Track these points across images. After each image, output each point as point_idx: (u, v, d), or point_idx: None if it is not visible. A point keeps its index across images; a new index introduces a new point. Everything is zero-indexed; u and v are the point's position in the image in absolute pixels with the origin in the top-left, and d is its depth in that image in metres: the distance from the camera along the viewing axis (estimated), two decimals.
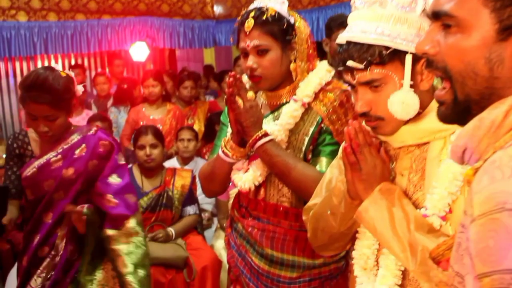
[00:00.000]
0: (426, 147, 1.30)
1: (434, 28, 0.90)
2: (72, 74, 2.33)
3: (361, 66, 1.26)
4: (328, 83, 1.88)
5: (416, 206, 1.28)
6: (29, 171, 2.32)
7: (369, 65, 1.25)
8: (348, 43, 1.29)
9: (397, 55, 1.25)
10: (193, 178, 3.60)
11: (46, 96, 2.16)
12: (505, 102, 0.81)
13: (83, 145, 2.30)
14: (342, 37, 1.32)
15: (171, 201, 3.50)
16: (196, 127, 4.93)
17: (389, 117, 1.28)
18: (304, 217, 1.59)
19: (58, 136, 2.31)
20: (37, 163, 2.31)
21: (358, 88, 1.31)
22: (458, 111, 0.88)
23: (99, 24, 6.23)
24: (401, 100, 1.24)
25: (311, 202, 1.57)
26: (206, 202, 4.10)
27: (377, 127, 1.32)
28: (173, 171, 3.66)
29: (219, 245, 3.67)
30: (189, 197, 3.58)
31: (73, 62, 7.23)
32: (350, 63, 1.27)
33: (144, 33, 6.53)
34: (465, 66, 0.84)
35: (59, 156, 2.30)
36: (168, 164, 4.14)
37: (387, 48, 1.24)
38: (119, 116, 5.38)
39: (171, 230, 3.43)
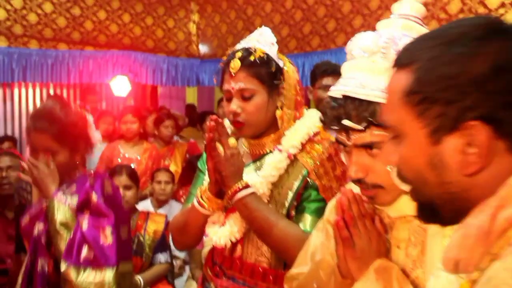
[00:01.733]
0: None
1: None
2: (90, 117, 2.14)
3: (360, 127, 1.10)
4: (316, 134, 1.75)
5: (416, 286, 1.11)
6: (24, 220, 2.11)
7: (369, 126, 1.09)
8: (345, 97, 1.13)
9: None
10: (167, 223, 3.40)
11: (49, 126, 1.97)
12: (489, 204, 0.74)
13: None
14: (337, 90, 1.16)
15: (142, 247, 3.30)
16: (172, 168, 4.73)
17: (389, 185, 1.11)
18: (286, 286, 1.41)
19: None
20: (30, 212, 2.11)
21: (353, 150, 1.14)
22: (428, 213, 0.85)
23: (81, 55, 6.10)
24: None
25: (294, 270, 1.39)
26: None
27: (375, 197, 1.14)
28: (146, 215, 3.47)
29: None
30: (161, 244, 3.38)
31: (51, 93, 7.04)
32: (346, 122, 1.11)
33: (126, 68, 6.39)
34: (415, 174, 0.82)
35: None
36: (142, 206, 3.95)
37: None
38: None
39: (139, 278, 3.20)
